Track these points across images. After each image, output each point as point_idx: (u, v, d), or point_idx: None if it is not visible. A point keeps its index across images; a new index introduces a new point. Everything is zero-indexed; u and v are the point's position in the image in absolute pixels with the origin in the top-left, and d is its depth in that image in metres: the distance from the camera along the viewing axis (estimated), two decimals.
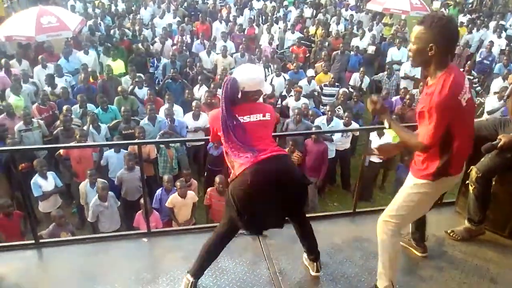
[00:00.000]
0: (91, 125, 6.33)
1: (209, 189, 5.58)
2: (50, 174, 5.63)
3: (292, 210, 2.60)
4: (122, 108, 6.77)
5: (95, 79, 8.11)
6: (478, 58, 10.65)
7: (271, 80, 8.38)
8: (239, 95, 2.43)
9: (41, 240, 3.29)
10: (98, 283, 2.80)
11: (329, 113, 6.77)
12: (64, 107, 6.56)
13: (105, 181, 5.52)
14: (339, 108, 7.38)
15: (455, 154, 2.30)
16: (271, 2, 14.24)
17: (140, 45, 9.64)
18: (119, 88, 7.42)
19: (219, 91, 7.76)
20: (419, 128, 2.26)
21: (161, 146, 6.23)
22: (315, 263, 2.83)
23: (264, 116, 2.47)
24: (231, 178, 2.47)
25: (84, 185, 5.64)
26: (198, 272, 2.61)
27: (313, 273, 2.84)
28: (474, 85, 8.63)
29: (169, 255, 3.09)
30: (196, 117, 6.79)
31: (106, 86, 7.76)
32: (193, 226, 3.22)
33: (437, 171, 2.32)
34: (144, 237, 3.32)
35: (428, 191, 2.40)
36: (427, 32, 2.09)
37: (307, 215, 2.80)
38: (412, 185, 2.44)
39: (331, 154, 6.69)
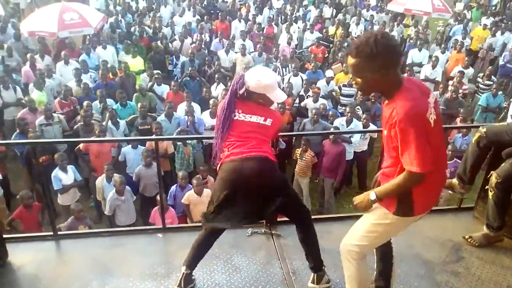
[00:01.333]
0: (109, 121, 6.42)
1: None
2: (70, 168, 5.73)
3: (264, 212, 2.54)
4: (139, 104, 6.85)
5: (114, 75, 8.22)
6: (501, 62, 10.44)
7: (289, 79, 8.37)
8: (242, 91, 2.47)
9: (59, 232, 3.37)
10: (114, 276, 2.84)
11: (349, 114, 6.72)
12: (85, 103, 6.68)
13: (122, 175, 5.58)
14: (358, 109, 7.33)
15: (423, 190, 2.05)
16: (289, 3, 14.18)
17: (159, 42, 9.73)
18: (137, 87, 7.51)
19: None
20: (403, 158, 1.97)
21: (178, 143, 6.28)
22: (313, 274, 2.69)
23: (265, 120, 2.46)
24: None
25: (100, 181, 5.73)
26: (191, 263, 2.65)
27: (309, 284, 2.71)
28: (489, 90, 8.42)
29: (183, 251, 3.09)
30: (213, 115, 6.83)
31: (124, 83, 7.85)
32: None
33: (398, 209, 2.13)
34: (159, 233, 3.35)
35: (393, 222, 2.19)
36: (361, 61, 1.93)
37: (320, 216, 2.78)
38: (376, 213, 2.23)
39: (349, 156, 6.65)
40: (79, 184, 5.92)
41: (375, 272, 2.61)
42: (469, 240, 3.23)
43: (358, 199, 2.24)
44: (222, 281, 2.82)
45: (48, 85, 7.53)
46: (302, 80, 8.45)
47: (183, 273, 2.64)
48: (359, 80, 2.01)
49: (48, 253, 3.12)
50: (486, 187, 3.13)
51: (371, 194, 2.15)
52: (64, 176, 5.64)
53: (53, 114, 6.54)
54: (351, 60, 1.97)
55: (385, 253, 2.55)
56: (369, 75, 1.95)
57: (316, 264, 2.69)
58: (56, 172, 5.58)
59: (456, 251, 3.15)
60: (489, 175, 3.08)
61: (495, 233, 3.15)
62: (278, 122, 2.55)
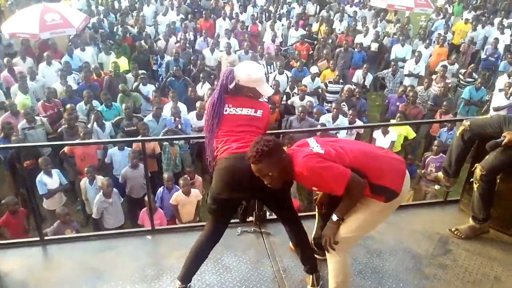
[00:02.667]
0: (95, 123, 6.35)
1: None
2: (55, 172, 5.65)
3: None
4: (123, 105, 6.78)
5: (98, 76, 8.12)
6: (483, 55, 10.60)
7: (274, 77, 8.37)
8: (232, 86, 2.50)
9: (46, 237, 3.32)
10: (103, 280, 2.82)
11: (335, 110, 6.75)
12: (68, 106, 6.58)
13: (109, 178, 5.52)
14: (344, 105, 7.37)
15: (378, 176, 2.29)
16: (273, 0, 14.18)
17: (143, 42, 9.64)
18: (120, 87, 7.43)
19: None
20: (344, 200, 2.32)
21: (165, 143, 6.23)
22: (311, 276, 2.67)
23: (255, 112, 2.50)
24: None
25: (84, 182, 5.67)
26: (186, 277, 2.59)
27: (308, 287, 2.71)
28: (471, 83, 8.56)
29: (173, 252, 3.09)
30: (199, 117, 6.79)
31: (113, 83, 7.77)
32: (197, 224, 3.23)
33: (386, 197, 2.32)
34: (148, 235, 3.33)
35: (384, 208, 2.36)
36: (264, 163, 2.17)
37: (309, 214, 2.79)
38: (366, 205, 2.37)
39: None
40: (65, 188, 5.83)
41: (314, 231, 2.85)
42: (455, 232, 3.28)
43: (324, 234, 2.40)
44: (213, 281, 2.81)
45: (30, 88, 7.40)
46: (288, 78, 8.46)
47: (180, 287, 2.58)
48: (274, 176, 2.25)
49: (36, 259, 3.07)
50: (471, 179, 3.18)
51: (332, 217, 2.35)
52: (49, 181, 5.56)
53: (36, 117, 6.44)
54: (256, 167, 2.22)
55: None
56: (274, 171, 2.25)
57: (311, 265, 2.68)
58: (41, 177, 5.49)
59: (444, 243, 3.20)
60: (473, 168, 3.13)
61: (481, 225, 3.21)
62: (268, 112, 2.59)
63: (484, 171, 3.00)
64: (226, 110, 2.48)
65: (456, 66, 9.58)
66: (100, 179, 5.54)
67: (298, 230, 2.65)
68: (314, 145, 2.30)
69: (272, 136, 2.33)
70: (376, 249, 3.10)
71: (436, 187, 3.54)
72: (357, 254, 3.07)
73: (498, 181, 3.10)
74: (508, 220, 3.24)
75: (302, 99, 7.59)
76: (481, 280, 2.86)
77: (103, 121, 6.51)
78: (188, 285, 2.61)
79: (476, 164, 3.08)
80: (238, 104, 2.50)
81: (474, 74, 8.99)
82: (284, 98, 8.01)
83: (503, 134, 2.87)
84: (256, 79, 2.51)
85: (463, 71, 9.27)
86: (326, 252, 2.43)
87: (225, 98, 2.50)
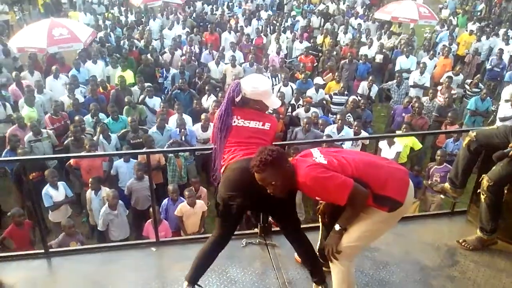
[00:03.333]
0: (101, 135, 6.38)
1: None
2: (61, 184, 5.67)
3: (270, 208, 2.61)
4: (129, 118, 6.83)
5: (104, 89, 8.20)
6: (488, 66, 10.58)
7: (279, 89, 8.41)
8: (239, 99, 2.52)
9: (50, 250, 3.31)
10: None
11: (340, 121, 6.74)
12: (76, 118, 6.64)
13: (114, 190, 5.53)
14: (349, 116, 7.36)
15: (381, 186, 2.28)
16: (277, 13, 14.31)
17: (149, 55, 9.74)
18: (126, 99, 7.50)
19: None
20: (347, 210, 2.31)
21: (170, 155, 6.25)
22: (320, 287, 2.66)
23: (263, 125, 2.52)
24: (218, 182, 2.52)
25: (89, 193, 5.69)
26: (193, 278, 2.59)
27: None
28: (477, 93, 8.54)
29: (177, 264, 3.07)
30: (205, 128, 6.81)
31: (120, 96, 7.83)
32: (201, 236, 3.21)
33: (389, 207, 2.30)
34: (153, 247, 3.31)
35: (386, 219, 2.34)
36: (267, 172, 2.19)
37: (314, 225, 2.77)
38: (369, 214, 2.35)
39: None
40: (71, 200, 5.85)
41: (319, 242, 2.81)
42: (463, 244, 3.24)
43: (326, 244, 2.39)
44: None
45: (38, 101, 7.48)
46: (292, 89, 8.49)
47: None
48: (278, 185, 2.25)
49: (40, 271, 3.07)
50: (478, 190, 3.14)
51: (335, 226, 2.34)
52: (55, 193, 5.57)
53: (42, 130, 6.49)
54: (261, 175, 2.24)
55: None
56: (277, 180, 2.25)
57: (320, 276, 2.66)
58: (47, 189, 5.51)
59: (451, 255, 3.16)
60: (480, 179, 3.10)
61: (489, 236, 3.16)
62: (275, 126, 2.62)
63: (491, 182, 2.97)
64: (234, 122, 2.51)
65: (461, 76, 9.57)
66: (104, 190, 5.55)
67: (303, 241, 2.65)
68: (317, 155, 2.32)
69: (276, 146, 2.34)
70: (382, 261, 3.06)
71: (442, 197, 3.51)
72: (364, 266, 3.04)
73: (505, 192, 3.07)
74: None
75: (307, 110, 7.59)
76: None
77: (109, 133, 6.55)
78: (195, 286, 2.58)
79: (483, 175, 3.06)
80: (246, 117, 2.52)
81: (480, 84, 8.97)
82: (290, 109, 8.02)
83: (510, 145, 2.85)
84: (263, 92, 2.53)
85: (469, 81, 9.25)
86: (329, 262, 2.41)
87: (232, 110, 2.53)
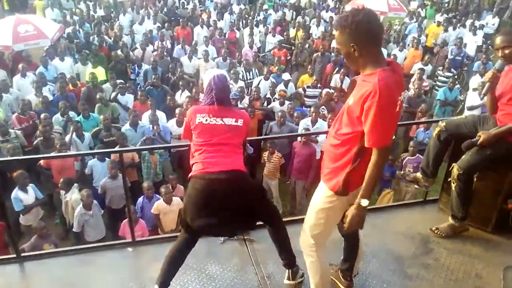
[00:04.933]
0: (74, 134, 6.22)
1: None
2: (30, 187, 5.50)
3: (245, 222, 2.60)
4: (101, 117, 6.69)
5: (74, 86, 7.99)
6: (450, 56, 10.83)
7: (259, 82, 8.41)
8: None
9: (23, 254, 3.22)
10: None
11: (314, 114, 6.78)
12: (42, 115, 6.45)
13: (88, 189, 5.41)
14: (323, 109, 7.42)
15: (363, 165, 2.08)
16: (249, 7, 14.26)
17: (119, 51, 9.53)
18: (98, 96, 7.33)
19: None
20: (371, 133, 1.97)
21: (144, 152, 6.15)
22: (287, 270, 2.74)
23: (236, 121, 2.51)
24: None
25: (63, 194, 5.58)
26: (165, 281, 2.54)
27: (285, 281, 2.75)
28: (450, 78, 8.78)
29: (154, 263, 3.02)
30: (179, 124, 6.73)
31: (91, 94, 7.65)
32: (178, 234, 3.17)
33: (342, 187, 2.15)
34: (129, 247, 3.27)
35: (334, 205, 2.24)
36: (343, 34, 1.97)
37: (292, 218, 2.80)
38: (318, 200, 2.29)
39: (317, 156, 6.69)
40: (41, 202, 5.67)
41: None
42: (436, 231, 3.33)
43: (348, 221, 2.15)
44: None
45: (5, 100, 7.22)
46: (271, 83, 8.50)
47: None
48: (342, 53, 2.06)
49: (13, 277, 2.99)
50: (449, 179, 3.23)
51: (363, 202, 2.09)
52: (25, 196, 5.40)
53: (10, 130, 6.27)
54: (335, 32, 2.05)
55: (351, 240, 2.62)
56: (344, 48, 2.01)
57: (290, 261, 2.72)
58: (16, 193, 5.32)
59: (425, 243, 3.24)
60: (450, 168, 3.18)
61: (460, 223, 3.26)
62: (248, 121, 2.61)
63: (461, 171, 3.05)
64: (206, 120, 2.48)
65: (430, 67, 9.78)
66: (71, 193, 5.45)
67: (279, 228, 2.68)
68: (399, 98, 2.05)
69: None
70: (364, 252, 3.10)
71: (416, 187, 3.58)
72: (339, 257, 3.07)
73: (475, 179, 3.16)
74: (486, 218, 3.30)
75: (282, 104, 7.61)
76: (463, 278, 2.90)
77: (82, 132, 6.40)
78: None
79: (453, 164, 3.14)
80: (217, 114, 2.50)
81: (452, 69, 9.22)
82: (265, 103, 8.02)
83: (478, 134, 2.93)
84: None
85: (441, 68, 9.47)
86: (305, 256, 2.42)
87: (203, 107, 2.52)
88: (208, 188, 2.37)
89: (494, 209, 3.24)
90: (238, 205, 2.40)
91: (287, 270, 2.74)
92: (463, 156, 3.07)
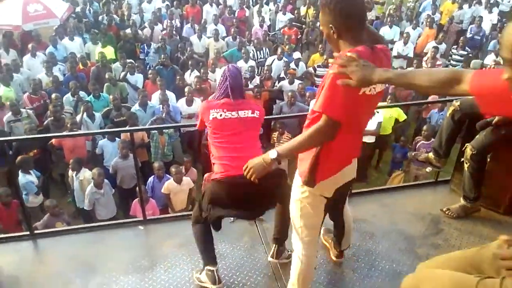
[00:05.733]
0: (85, 114, 6.25)
1: (206, 175, 5.55)
2: (31, 170, 5.58)
3: (264, 207, 2.58)
4: (111, 97, 6.70)
5: (84, 66, 7.99)
6: (468, 35, 10.59)
7: (272, 62, 8.33)
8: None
9: (36, 231, 3.28)
10: (95, 273, 2.79)
11: None
12: (53, 95, 6.48)
13: (100, 168, 5.46)
14: None
15: (329, 153, 1.90)
16: None
17: (128, 30, 9.48)
18: (107, 76, 7.33)
19: (210, 76, 7.70)
20: (317, 102, 1.80)
21: (153, 132, 6.16)
22: (274, 247, 2.77)
23: (253, 113, 2.45)
24: (210, 176, 2.51)
25: (71, 174, 5.65)
26: (208, 260, 2.57)
27: (268, 258, 2.81)
28: (462, 62, 8.61)
29: (165, 242, 3.08)
30: (189, 102, 6.72)
31: (101, 74, 7.64)
32: (189, 212, 3.21)
33: (308, 175, 1.96)
34: (140, 225, 3.30)
35: (308, 195, 2.05)
36: (323, 14, 1.83)
37: None
38: (295, 191, 2.13)
39: None
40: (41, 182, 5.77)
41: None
42: (447, 212, 3.30)
43: (251, 162, 1.94)
44: None
45: (16, 80, 7.26)
46: (285, 63, 8.40)
47: (208, 270, 2.55)
48: (324, 33, 1.91)
49: (26, 254, 3.04)
50: (462, 159, 3.19)
51: (271, 153, 1.89)
52: (32, 178, 5.49)
53: (21, 110, 6.33)
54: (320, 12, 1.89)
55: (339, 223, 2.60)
56: (324, 29, 1.87)
57: (281, 238, 2.73)
58: (26, 177, 5.38)
59: (436, 224, 3.22)
60: (464, 148, 3.13)
61: (472, 204, 3.23)
62: (263, 112, 2.54)
63: (474, 151, 3.00)
64: (221, 115, 2.40)
65: (444, 46, 9.57)
66: (83, 172, 5.49)
67: (287, 208, 2.55)
68: (372, 87, 1.86)
69: None
70: (369, 232, 3.11)
71: (428, 169, 3.55)
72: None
73: (488, 160, 3.11)
74: (498, 198, 3.26)
75: (291, 83, 7.54)
76: None
77: (93, 111, 6.42)
78: (216, 267, 2.57)
79: (466, 144, 3.09)
80: (233, 108, 2.42)
81: (466, 47, 9.02)
82: (277, 82, 7.95)
83: None
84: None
85: (455, 47, 9.29)
86: (295, 251, 2.29)
87: (222, 102, 2.44)
88: (230, 192, 2.37)
89: (507, 190, 3.20)
90: (259, 197, 2.37)
91: (273, 247, 2.77)
92: (477, 136, 3.02)
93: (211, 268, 2.54)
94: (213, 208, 2.45)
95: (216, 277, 2.53)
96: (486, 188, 3.18)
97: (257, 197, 2.35)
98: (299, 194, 2.08)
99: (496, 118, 2.82)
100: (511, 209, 3.24)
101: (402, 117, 6.93)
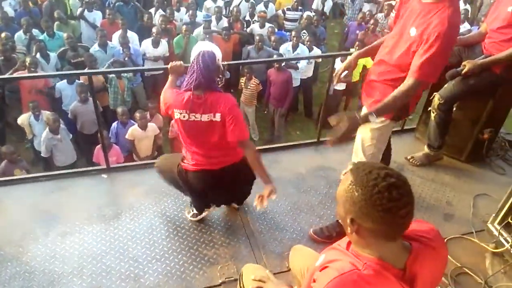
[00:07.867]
0: (38, 54, 5.82)
1: (173, 121, 5.39)
2: None
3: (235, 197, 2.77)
4: (65, 35, 6.23)
5: (35, 3, 7.36)
6: None
7: (239, 3, 7.95)
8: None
9: None
10: (58, 222, 2.70)
11: (295, 39, 6.52)
12: (3, 34, 5.96)
13: (54, 113, 5.18)
14: (304, 33, 7.14)
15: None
16: None
17: None
18: (56, 14, 6.78)
19: (176, 15, 7.29)
20: (414, 60, 2.01)
21: (111, 76, 5.81)
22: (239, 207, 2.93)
23: (214, 116, 2.19)
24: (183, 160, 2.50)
25: (27, 118, 5.30)
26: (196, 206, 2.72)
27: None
28: None
29: (130, 190, 3.01)
30: (155, 44, 6.37)
31: (53, 9, 7.07)
32: (154, 160, 3.11)
33: (395, 115, 2.28)
34: (104, 173, 3.20)
35: (388, 124, 2.34)
36: None
37: (269, 146, 2.81)
38: (373, 124, 2.23)
39: (296, 83, 6.55)
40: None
41: None
42: (411, 160, 3.38)
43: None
44: (173, 214, 2.78)
45: None
46: (251, 5, 8.04)
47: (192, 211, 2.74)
48: None
49: None
50: (429, 108, 3.21)
51: (371, 116, 2.02)
52: None
53: None
54: None
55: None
56: None
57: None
58: None
59: (399, 171, 3.23)
60: (431, 97, 3.14)
61: (436, 152, 3.31)
62: (226, 114, 2.19)
63: (442, 100, 3.02)
64: (184, 117, 2.21)
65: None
66: (45, 113, 5.19)
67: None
68: None
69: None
70: (335, 180, 3.14)
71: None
72: (318, 185, 3.12)
73: (454, 109, 3.15)
74: (461, 147, 3.35)
75: (262, 26, 7.28)
76: (433, 205, 2.99)
77: (47, 51, 5.99)
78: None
79: (434, 93, 3.10)
80: (196, 109, 2.19)
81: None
82: (245, 25, 7.65)
83: (463, 63, 2.86)
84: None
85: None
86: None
87: (185, 99, 2.19)
88: (200, 181, 2.44)
89: (470, 139, 3.28)
90: (228, 190, 2.56)
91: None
92: (445, 85, 3.02)
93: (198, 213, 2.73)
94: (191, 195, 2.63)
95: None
96: (450, 137, 3.26)
97: (227, 188, 2.51)
98: (378, 124, 2.26)
99: (466, 68, 2.81)
100: (472, 157, 3.34)
101: (370, 63, 6.88)
